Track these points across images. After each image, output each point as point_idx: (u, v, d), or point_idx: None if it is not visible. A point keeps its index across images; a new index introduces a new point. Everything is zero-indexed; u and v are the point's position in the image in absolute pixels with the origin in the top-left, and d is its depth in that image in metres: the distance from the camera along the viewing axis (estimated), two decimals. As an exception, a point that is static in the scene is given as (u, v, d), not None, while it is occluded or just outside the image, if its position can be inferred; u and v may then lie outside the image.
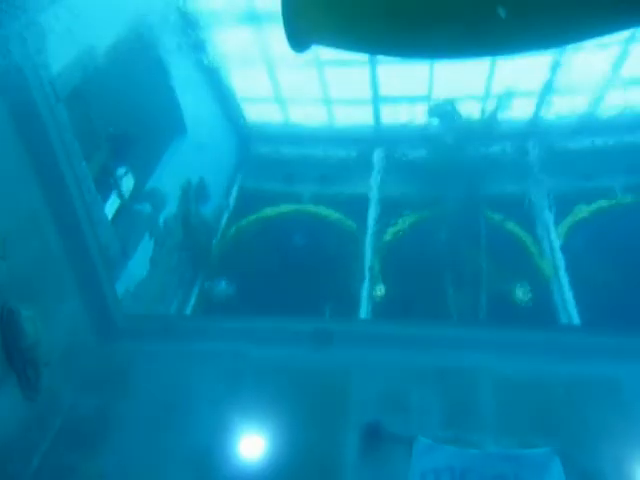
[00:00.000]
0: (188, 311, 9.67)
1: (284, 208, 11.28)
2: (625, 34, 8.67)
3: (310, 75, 10.31)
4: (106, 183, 8.03)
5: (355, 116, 11.34)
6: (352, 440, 7.06)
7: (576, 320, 8.89)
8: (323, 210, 11.13)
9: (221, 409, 7.14)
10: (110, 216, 7.89)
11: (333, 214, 11.10)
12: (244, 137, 11.88)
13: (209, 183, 10.47)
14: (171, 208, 9.37)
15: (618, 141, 10.02)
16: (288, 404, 7.37)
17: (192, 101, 9.48)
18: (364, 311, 9.81)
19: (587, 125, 10.32)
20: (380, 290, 11.20)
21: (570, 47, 9.02)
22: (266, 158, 12.01)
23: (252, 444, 6.75)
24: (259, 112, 11.51)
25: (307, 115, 11.38)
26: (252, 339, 8.21)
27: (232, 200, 11.39)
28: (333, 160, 11.73)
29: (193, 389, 7.44)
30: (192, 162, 9.73)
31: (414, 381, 7.80)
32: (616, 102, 9.96)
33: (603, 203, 9.78)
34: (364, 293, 10.12)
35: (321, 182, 11.51)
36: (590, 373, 7.12)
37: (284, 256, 10.46)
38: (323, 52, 9.62)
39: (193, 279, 9.97)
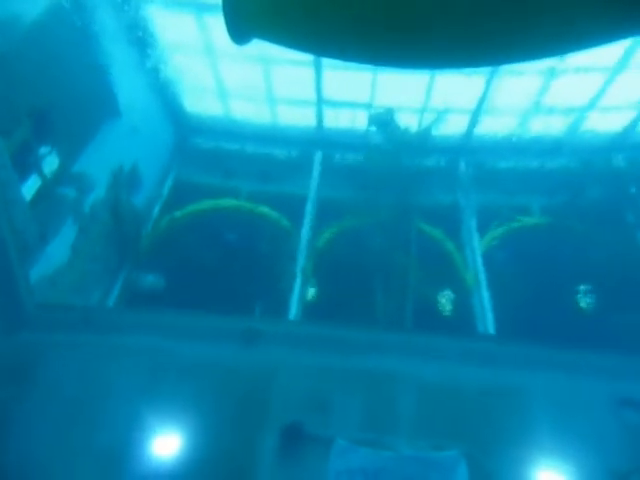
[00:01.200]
0: (111, 303, 9.28)
1: (220, 203, 11.10)
2: (549, 63, 9.27)
3: (255, 71, 10.21)
4: (26, 162, 7.52)
5: (298, 117, 11.35)
6: (271, 441, 7.07)
7: (492, 330, 9.33)
8: (259, 208, 11.05)
9: (137, 406, 6.93)
10: (29, 197, 7.41)
11: (269, 212, 11.05)
12: (182, 127, 11.56)
13: (142, 170, 10.11)
14: (99, 193, 8.95)
15: (539, 164, 10.67)
16: (209, 403, 7.27)
17: (128, 85, 9.11)
18: (294, 312, 9.82)
19: (513, 146, 10.91)
20: (311, 292, 11.29)
21: (502, 71, 9.53)
22: (205, 151, 11.77)
23: (167, 443, 6.60)
24: (200, 104, 11.24)
25: (250, 111, 11.25)
26: (177, 335, 8.02)
27: (166, 190, 11.06)
28: (273, 159, 11.68)
29: (109, 385, 7.16)
30: (125, 147, 9.35)
31: (337, 383, 7.92)
32: (538, 127, 10.61)
33: (522, 221, 10.37)
34: (295, 294, 10.12)
35: (260, 180, 11.42)
36: (499, 381, 7.52)
37: (217, 252, 10.29)
38: (268, 49, 9.60)
39: (118, 270, 9.58)
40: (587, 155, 10.43)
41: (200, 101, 11.15)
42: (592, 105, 10.19)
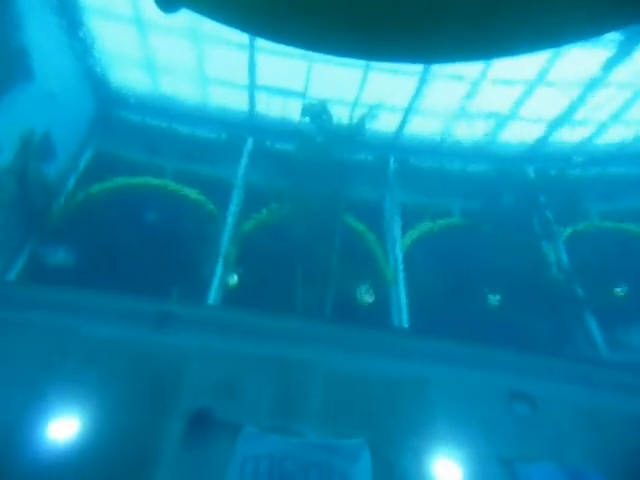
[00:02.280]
0: (13, 276, 8.67)
1: (142, 180, 10.65)
2: (477, 72, 9.71)
3: (187, 48, 9.86)
4: None
5: (230, 99, 11.10)
6: (177, 426, 6.94)
7: (405, 323, 9.67)
8: (184, 188, 10.73)
9: (36, 386, 6.55)
10: None
11: (194, 194, 10.76)
12: (106, 98, 10.95)
13: (56, 139, 9.46)
14: (5, 159, 8.29)
15: (461, 168, 11.15)
16: (114, 386, 7.01)
17: (44, 47, 8.46)
18: (213, 297, 9.67)
19: (438, 148, 11.33)
20: (233, 278, 11.15)
21: (433, 73, 9.85)
22: (130, 125, 11.23)
23: (64, 426, 6.28)
24: (127, 76, 10.68)
25: (180, 89, 10.85)
26: (85, 314, 7.66)
27: (83, 163, 10.44)
28: (202, 140, 11.36)
29: (6, 361, 6.72)
30: (37, 112, 8.70)
31: (251, 370, 7.90)
32: (462, 132, 11.09)
33: (442, 221, 10.81)
34: (216, 279, 9.96)
35: (186, 160, 11.08)
36: (406, 373, 7.83)
37: (135, 231, 9.89)
38: (202, 26, 9.31)
39: (23, 242, 8.96)
40: (503, 163, 11.02)
41: (127, 73, 10.61)
42: (511, 116, 10.78)
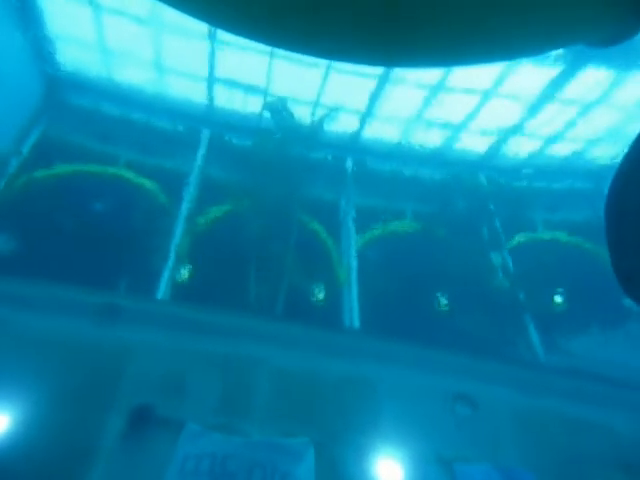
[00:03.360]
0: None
1: (93, 168, 10.28)
2: (435, 80, 9.91)
3: (144, 35, 9.59)
4: None
5: (188, 90, 10.87)
6: (117, 423, 6.75)
7: (356, 324, 9.75)
8: (136, 178, 10.43)
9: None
10: None
11: (147, 184, 10.48)
12: (56, 81, 10.49)
13: (-4, 120, 9.01)
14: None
15: (416, 172, 11.35)
16: (52, 381, 6.75)
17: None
18: (162, 291, 9.45)
19: (395, 152, 11.49)
20: (184, 273, 10.94)
21: (393, 77, 9.98)
22: (82, 110, 10.80)
23: (-6, 422, 5.99)
24: (80, 59, 10.26)
25: (136, 76, 10.53)
26: (21, 305, 7.33)
27: (27, 147, 9.97)
28: (158, 130, 11.08)
29: None
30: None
31: (197, 367, 7.79)
32: (419, 137, 11.30)
33: (396, 224, 10.98)
34: (166, 273, 9.74)
35: (141, 150, 10.78)
36: (354, 373, 7.91)
37: (81, 219, 9.54)
38: (162, 14, 9.08)
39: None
40: (457, 170, 11.30)
41: (81, 57, 10.20)
42: (465, 125, 11.07)
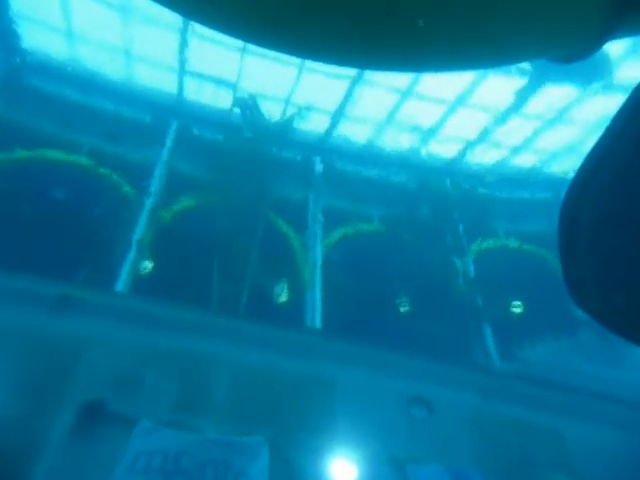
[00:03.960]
0: None
1: (54, 154, 9.97)
2: (406, 85, 10.03)
3: (115, 22, 9.36)
4: None
5: (157, 80, 10.66)
6: (67, 417, 6.57)
7: (318, 324, 9.76)
8: (99, 167, 10.16)
9: None
10: None
11: (110, 175, 10.23)
12: (18, 63, 10.09)
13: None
14: None
15: (385, 175, 11.46)
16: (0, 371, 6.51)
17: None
18: (122, 284, 9.24)
19: (366, 155, 11.58)
20: (146, 266, 10.72)
21: (365, 80, 10.05)
22: (44, 95, 10.43)
23: None
24: (43, 40, 9.91)
25: (103, 63, 10.25)
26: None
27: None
28: (124, 119, 10.81)
29: None
30: None
31: (154, 362, 7.64)
32: (389, 141, 11.43)
33: (362, 226, 11.06)
34: (127, 265, 9.53)
35: (105, 138, 10.49)
36: (314, 373, 7.91)
37: (41, 207, 9.24)
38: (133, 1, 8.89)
39: None
40: (424, 175, 11.47)
41: (46, 40, 9.86)
42: (434, 131, 11.26)
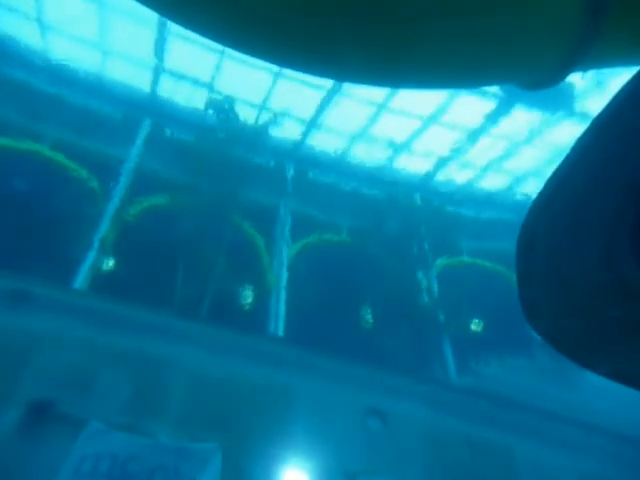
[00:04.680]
0: None
1: (16, 144, 9.65)
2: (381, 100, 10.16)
3: (90, 13, 9.16)
4: None
5: (131, 76, 10.48)
6: (12, 415, 6.32)
7: (281, 332, 9.71)
8: (64, 160, 9.89)
9: None
10: None
11: (76, 168, 9.97)
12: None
13: None
14: None
15: (355, 187, 11.55)
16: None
17: None
18: (80, 281, 8.99)
19: (338, 166, 11.65)
20: (107, 264, 10.46)
21: (341, 91, 10.14)
22: (9, 82, 10.10)
23: None
24: (13, 27, 9.60)
25: (75, 54, 10.00)
26: None
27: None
28: (94, 113, 10.56)
29: None
30: None
31: (109, 362, 7.45)
32: (362, 154, 11.54)
33: (330, 236, 11.09)
34: (87, 262, 9.28)
35: (74, 131, 10.23)
36: (272, 381, 7.84)
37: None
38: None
39: None
40: (393, 190, 11.60)
41: (15, 27, 9.57)
42: (406, 146, 11.42)
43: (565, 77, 1.57)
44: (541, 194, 0.63)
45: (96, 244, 9.52)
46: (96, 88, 10.38)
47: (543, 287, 0.71)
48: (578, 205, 0.64)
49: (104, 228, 9.75)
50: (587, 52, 1.48)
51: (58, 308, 7.74)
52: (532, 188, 11.86)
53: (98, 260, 9.58)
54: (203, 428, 7.21)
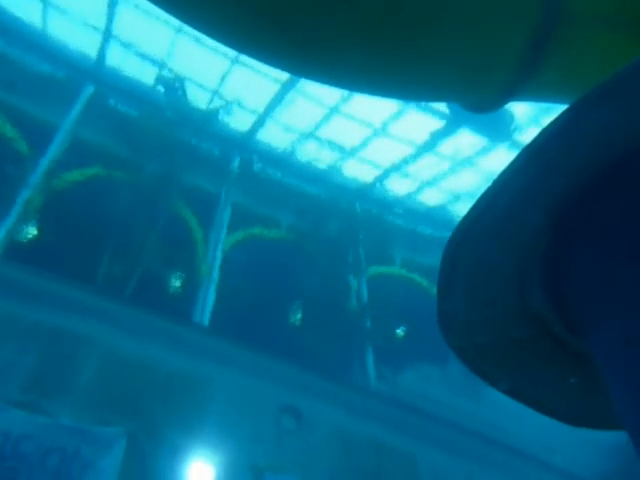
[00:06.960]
0: None
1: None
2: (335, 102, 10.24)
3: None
4: None
5: (79, 39, 9.89)
6: None
7: (206, 321, 9.50)
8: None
9: None
10: None
11: (3, 125, 9.32)
12: None
13: None
14: None
15: (299, 186, 11.55)
16: None
17: None
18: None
19: (284, 162, 11.60)
20: (29, 231, 9.85)
21: (298, 88, 10.08)
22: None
23: None
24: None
25: (15, 6, 9.29)
26: None
27: None
28: (32, 70, 9.83)
29: None
30: None
31: (14, 336, 7.00)
32: (310, 154, 11.55)
33: (269, 232, 11.03)
34: (4, 228, 8.68)
35: (5, 88, 9.48)
36: (190, 368, 7.68)
37: None
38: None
39: None
40: (336, 192, 11.70)
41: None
42: (353, 152, 11.58)
43: (505, 103, 1.65)
44: (468, 215, 0.67)
45: (18, 209, 8.92)
46: (35, 42, 9.70)
47: (460, 304, 0.74)
48: (498, 229, 0.68)
49: (29, 193, 9.15)
50: (526, 83, 1.56)
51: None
52: (465, 208, 12.36)
53: (18, 226, 9.01)
54: (111, 411, 6.94)
